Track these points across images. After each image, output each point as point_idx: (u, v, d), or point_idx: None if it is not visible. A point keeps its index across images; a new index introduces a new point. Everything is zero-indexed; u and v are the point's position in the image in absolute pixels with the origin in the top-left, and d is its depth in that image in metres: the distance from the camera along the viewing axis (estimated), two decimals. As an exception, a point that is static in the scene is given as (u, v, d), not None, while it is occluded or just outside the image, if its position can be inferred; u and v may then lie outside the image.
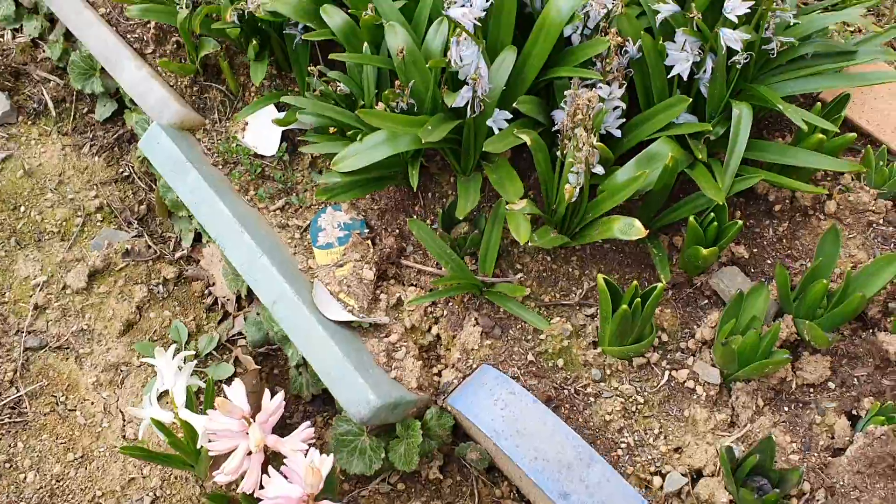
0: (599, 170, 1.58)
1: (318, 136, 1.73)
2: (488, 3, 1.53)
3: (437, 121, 1.56)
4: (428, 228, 1.67)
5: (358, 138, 1.63)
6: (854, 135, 1.65)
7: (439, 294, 1.61)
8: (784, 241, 1.75)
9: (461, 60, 1.53)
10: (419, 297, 1.61)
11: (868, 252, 1.73)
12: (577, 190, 1.55)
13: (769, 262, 1.73)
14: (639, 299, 1.50)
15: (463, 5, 1.48)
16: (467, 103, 1.57)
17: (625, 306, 1.48)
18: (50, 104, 2.24)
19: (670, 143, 1.60)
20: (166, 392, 1.56)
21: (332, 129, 1.73)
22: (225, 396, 1.44)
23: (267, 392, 1.46)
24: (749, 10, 1.49)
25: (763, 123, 1.86)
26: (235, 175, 1.84)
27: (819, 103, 1.69)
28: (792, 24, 1.55)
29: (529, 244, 1.53)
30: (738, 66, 1.59)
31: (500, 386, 1.49)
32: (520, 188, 1.57)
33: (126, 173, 2.15)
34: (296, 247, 1.77)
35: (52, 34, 2.27)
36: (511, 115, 1.63)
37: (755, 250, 1.74)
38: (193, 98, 1.98)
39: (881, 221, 1.76)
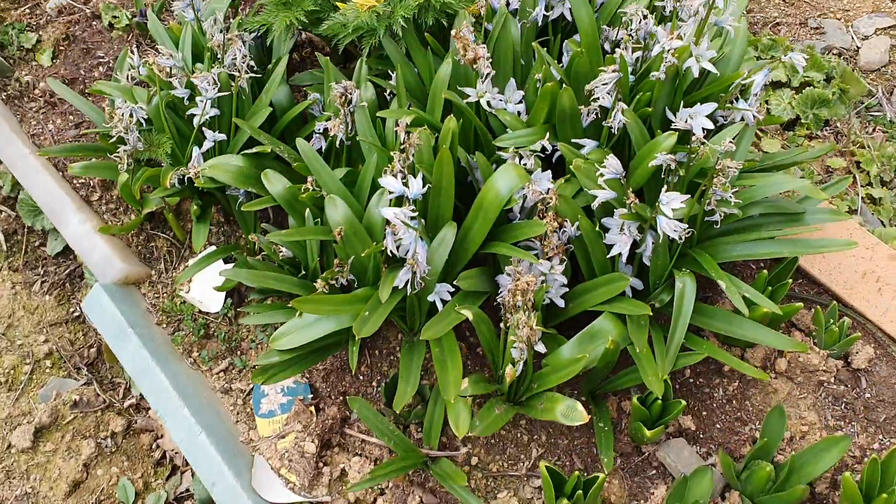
0: (541, 348, 1.55)
1: (258, 307, 1.71)
2: (425, 189, 1.50)
3: (374, 304, 1.53)
4: (370, 407, 1.65)
5: (297, 313, 1.60)
6: (800, 305, 1.64)
7: (380, 478, 1.58)
8: (734, 401, 1.73)
9: (399, 244, 1.51)
10: (359, 483, 1.58)
11: (819, 413, 1.71)
12: (521, 364, 1.53)
13: (718, 426, 1.70)
14: (580, 491, 1.48)
15: (399, 198, 1.46)
16: (408, 282, 1.55)
17: (565, 501, 1.46)
18: (0, 237, 2.22)
19: (613, 320, 1.58)
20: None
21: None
22: None
23: None
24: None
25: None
26: (178, 338, 1.82)
27: (765, 270, 1.68)
28: (733, 202, 1.52)
29: (470, 433, 1.51)
30: (680, 241, 1.57)
31: (438, 585, 1.47)
32: (459, 371, 1.54)
33: (77, 313, 2.12)
34: (238, 414, 1.74)
35: (2, 165, 2.25)
36: (453, 289, 1.61)
37: (704, 413, 1.72)
38: (139, 248, 1.95)
39: (832, 381, 1.74)
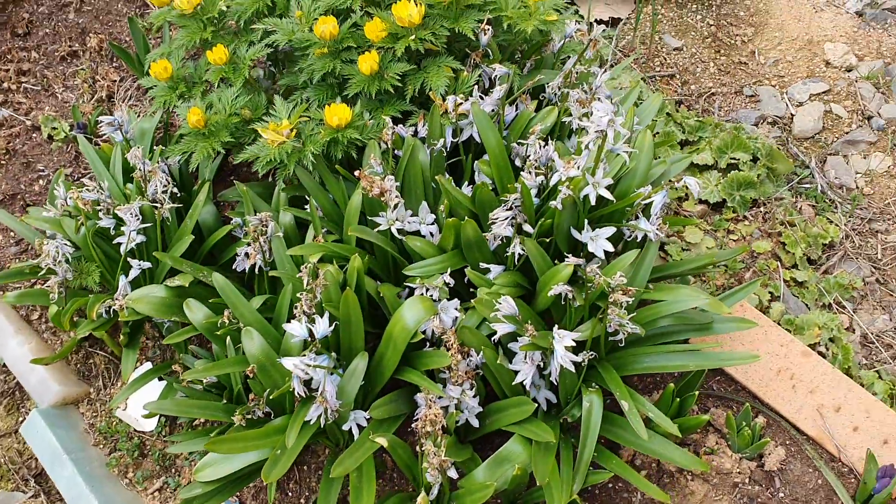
0: (453, 474, 1.60)
1: (185, 434, 1.76)
2: (332, 327, 1.56)
3: (283, 444, 1.57)
4: (292, 532, 1.70)
5: (220, 443, 1.65)
6: (707, 417, 1.68)
7: None
8: (651, 506, 1.78)
9: (309, 381, 1.56)
10: None
11: (735, 515, 1.75)
12: (437, 486, 1.58)
13: (635, 533, 1.75)
14: None
15: (305, 352, 1.51)
16: (321, 414, 1.60)
17: None
18: (-48, 347, 2.27)
19: (522, 443, 1.63)
20: None
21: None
22: None
23: None
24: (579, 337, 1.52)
25: (631, 382, 1.89)
26: (114, 460, 1.87)
27: (672, 384, 1.72)
28: (630, 328, 1.57)
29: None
30: (584, 364, 1.62)
31: None
32: (372, 499, 1.59)
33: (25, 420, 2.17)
34: (172, 536, 1.80)
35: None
36: (369, 416, 1.66)
37: (622, 520, 1.77)
38: (78, 365, 2.01)
39: (747, 481, 1.78)
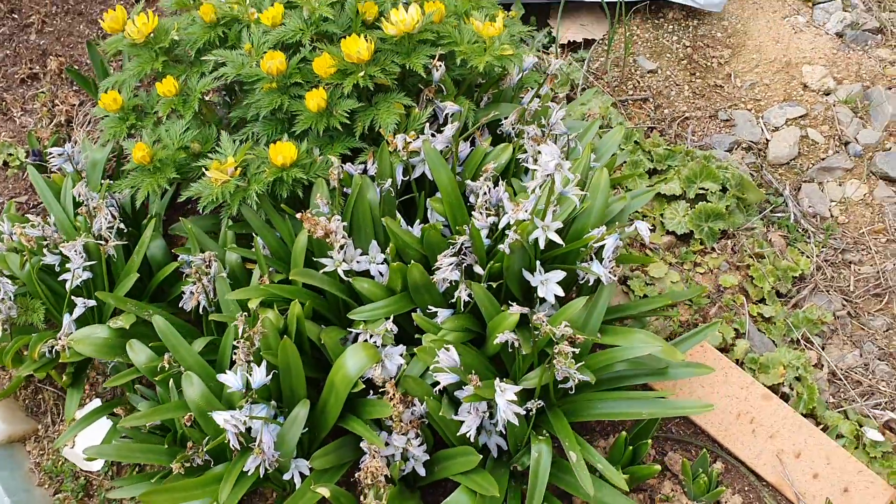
0: (398, 525, 1.57)
1: (127, 479, 1.73)
2: (269, 376, 1.52)
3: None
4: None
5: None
6: (658, 468, 1.64)
7: None
8: (606, 554, 1.73)
9: (249, 429, 1.52)
10: None
11: (690, 565, 1.71)
12: (381, 537, 1.54)
13: (588, 585, 1.71)
14: None
15: (242, 402, 1.47)
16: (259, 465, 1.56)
17: None
18: None
19: (468, 494, 1.59)
20: None
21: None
22: None
23: None
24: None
25: (588, 425, 1.85)
26: (57, 503, 1.83)
27: (624, 432, 1.68)
28: (578, 377, 1.53)
29: None
30: (532, 413, 1.57)
31: None
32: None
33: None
34: (114, 582, 1.76)
35: None
36: (311, 466, 1.62)
37: (575, 570, 1.72)
38: (27, 401, 1.97)
39: (703, 531, 1.74)
